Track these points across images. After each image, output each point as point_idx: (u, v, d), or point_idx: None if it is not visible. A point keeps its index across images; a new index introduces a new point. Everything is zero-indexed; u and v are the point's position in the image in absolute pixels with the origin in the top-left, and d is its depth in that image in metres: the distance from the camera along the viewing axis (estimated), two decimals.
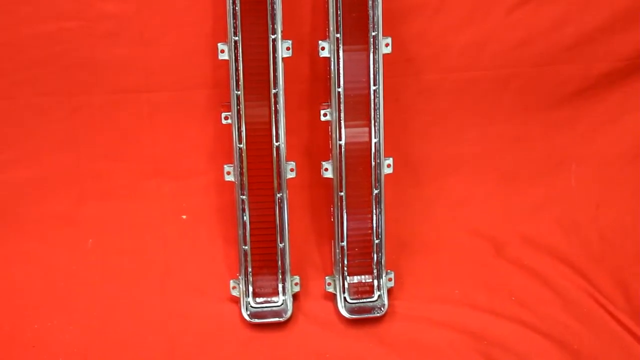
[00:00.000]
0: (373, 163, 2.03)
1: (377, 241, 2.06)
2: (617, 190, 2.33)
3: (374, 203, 2.05)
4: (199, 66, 2.12)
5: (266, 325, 2.03)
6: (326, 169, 2.03)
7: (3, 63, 2.09)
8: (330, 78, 1.98)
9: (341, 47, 1.97)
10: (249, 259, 2.04)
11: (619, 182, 2.33)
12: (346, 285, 2.08)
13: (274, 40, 1.94)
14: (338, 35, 1.95)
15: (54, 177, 2.20)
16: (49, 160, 2.19)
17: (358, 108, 2.00)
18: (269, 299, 2.07)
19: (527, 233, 2.29)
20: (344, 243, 2.06)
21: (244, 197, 2.01)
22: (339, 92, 1.98)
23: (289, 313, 2.04)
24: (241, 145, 1.98)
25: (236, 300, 2.06)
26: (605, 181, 2.33)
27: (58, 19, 2.06)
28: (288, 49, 1.95)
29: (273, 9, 1.92)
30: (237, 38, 1.93)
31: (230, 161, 2.01)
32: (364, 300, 2.08)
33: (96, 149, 2.19)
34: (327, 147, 2.06)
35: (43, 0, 2.04)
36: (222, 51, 1.95)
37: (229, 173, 2.01)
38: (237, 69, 1.95)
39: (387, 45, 1.98)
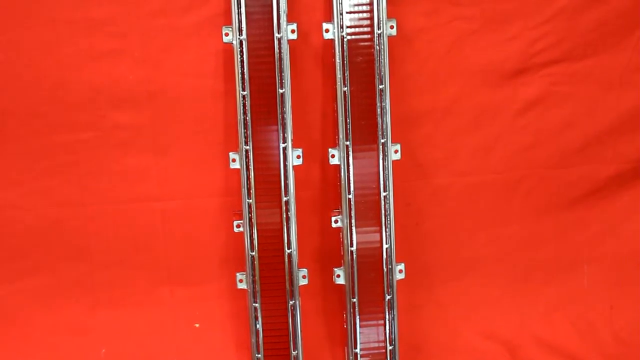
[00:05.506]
0: (385, 269, 2.03)
1: (390, 347, 2.05)
2: (631, 290, 2.32)
3: (386, 309, 2.04)
4: (210, 175, 2.14)
5: None
6: (338, 275, 2.04)
7: (19, 173, 2.11)
8: (340, 185, 2.00)
9: (351, 154, 1.99)
10: None
11: (631, 282, 2.32)
12: None
13: (285, 148, 1.97)
14: (347, 142, 1.98)
15: (67, 285, 2.20)
16: (63, 269, 2.19)
17: (369, 214, 2.02)
18: None
19: (542, 335, 2.28)
20: (357, 350, 2.05)
21: (256, 304, 2.01)
22: (349, 199, 2.00)
23: None
24: (253, 253, 1.99)
25: None
26: (618, 282, 2.32)
27: (73, 130, 2.09)
28: (298, 157, 1.98)
29: (283, 118, 1.95)
30: (248, 147, 1.96)
31: (242, 269, 2.02)
32: None
33: (109, 257, 2.19)
34: (338, 253, 2.06)
35: (58, 111, 2.07)
36: (234, 160, 1.97)
37: (241, 281, 2.02)
38: (248, 178, 1.97)
39: (396, 151, 2.01)
